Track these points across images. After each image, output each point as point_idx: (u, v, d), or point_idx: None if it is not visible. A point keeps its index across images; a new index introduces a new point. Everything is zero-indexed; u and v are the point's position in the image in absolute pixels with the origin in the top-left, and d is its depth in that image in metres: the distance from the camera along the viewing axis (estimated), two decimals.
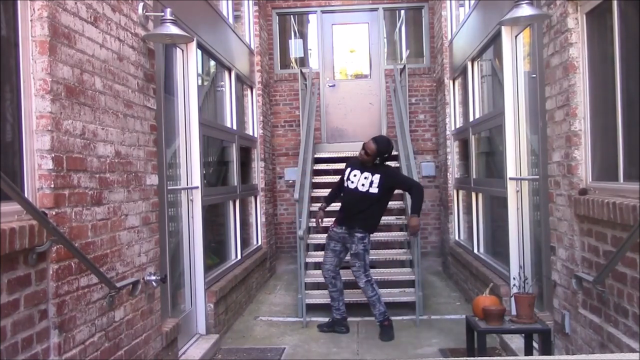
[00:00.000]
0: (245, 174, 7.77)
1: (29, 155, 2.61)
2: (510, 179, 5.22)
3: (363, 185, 5.37)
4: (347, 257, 5.58)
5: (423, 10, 9.58)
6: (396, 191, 7.53)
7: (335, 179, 7.77)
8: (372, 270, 6.45)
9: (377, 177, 5.37)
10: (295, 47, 10.01)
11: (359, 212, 5.37)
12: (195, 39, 5.07)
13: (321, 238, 7.40)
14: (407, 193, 6.08)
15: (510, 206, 5.22)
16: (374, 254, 6.70)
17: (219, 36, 6.33)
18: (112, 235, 3.28)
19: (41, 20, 2.63)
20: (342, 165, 7.77)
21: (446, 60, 8.12)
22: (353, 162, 5.58)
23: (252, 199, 7.93)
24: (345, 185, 5.49)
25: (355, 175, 5.44)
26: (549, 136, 4.13)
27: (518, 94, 5.14)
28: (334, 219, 5.66)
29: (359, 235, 5.38)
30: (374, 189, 5.35)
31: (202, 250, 5.15)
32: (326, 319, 5.79)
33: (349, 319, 5.71)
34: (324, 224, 5.93)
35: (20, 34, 2.60)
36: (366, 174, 5.39)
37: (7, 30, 2.56)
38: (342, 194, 5.64)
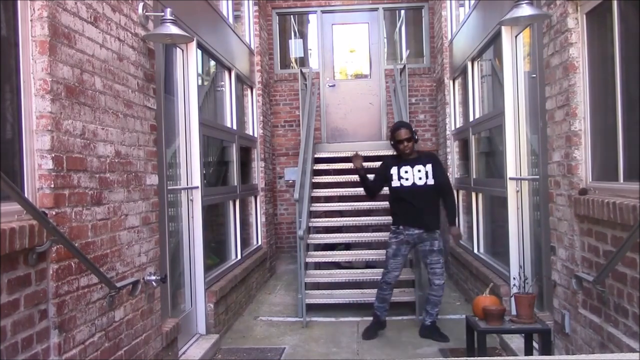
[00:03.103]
0: (245, 174, 7.77)
1: (29, 155, 2.61)
2: (510, 179, 5.22)
3: (420, 179, 5.20)
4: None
5: (423, 10, 9.58)
6: None
7: (335, 178, 7.82)
8: (372, 270, 6.47)
9: (429, 167, 5.23)
10: (295, 47, 10.01)
11: (428, 208, 5.21)
12: (195, 39, 5.07)
13: (321, 238, 7.42)
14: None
15: (510, 206, 5.22)
16: (375, 254, 6.71)
17: (219, 36, 6.33)
18: (112, 235, 3.28)
19: (41, 20, 2.63)
20: (342, 165, 7.84)
21: (446, 60, 8.12)
22: (393, 161, 5.38)
23: (252, 199, 7.93)
24: (399, 184, 5.25)
25: (407, 172, 5.24)
26: (549, 136, 4.13)
27: (518, 94, 5.14)
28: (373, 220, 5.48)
29: (438, 231, 5.27)
30: (431, 180, 5.21)
31: (202, 250, 5.14)
32: (327, 319, 5.77)
33: (349, 319, 5.72)
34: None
35: (20, 34, 2.60)
36: (418, 167, 5.22)
37: (7, 30, 2.56)
38: (392, 194, 5.37)
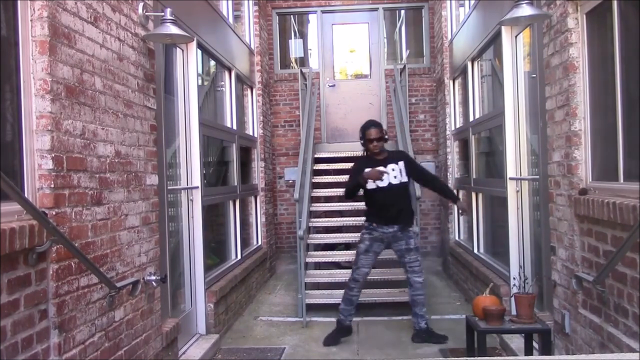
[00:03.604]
0: (245, 174, 7.77)
1: (29, 155, 2.61)
2: (510, 178, 5.22)
3: (395, 177, 5.17)
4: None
5: (423, 10, 9.58)
6: None
7: (335, 178, 7.80)
8: (372, 270, 6.44)
9: (402, 164, 5.22)
10: (295, 47, 10.01)
11: (402, 206, 5.21)
12: (195, 39, 5.07)
13: (321, 238, 7.42)
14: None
15: (510, 206, 5.22)
16: None
17: (219, 36, 6.33)
18: (112, 235, 3.28)
19: (41, 20, 2.63)
20: (342, 165, 7.83)
21: (446, 60, 8.12)
22: (365, 162, 5.29)
23: (252, 199, 7.93)
24: (375, 186, 5.15)
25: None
26: (549, 136, 4.13)
27: (518, 94, 5.14)
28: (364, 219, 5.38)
29: (412, 230, 5.27)
30: (404, 177, 5.21)
31: (202, 250, 5.14)
32: (327, 319, 5.77)
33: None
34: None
35: (20, 34, 2.60)
36: (391, 165, 5.19)
37: (7, 30, 2.56)
38: (368, 195, 5.29)
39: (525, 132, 5.07)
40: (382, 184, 5.17)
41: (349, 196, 5.43)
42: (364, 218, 7.30)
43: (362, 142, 5.34)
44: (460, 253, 7.12)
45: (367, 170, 5.10)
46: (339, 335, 5.34)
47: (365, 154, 5.42)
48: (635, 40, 3.05)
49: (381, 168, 5.14)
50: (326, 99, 9.56)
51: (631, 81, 3.14)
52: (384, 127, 9.18)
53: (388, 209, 5.20)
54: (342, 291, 6.32)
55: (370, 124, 5.32)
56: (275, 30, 9.67)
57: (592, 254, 3.47)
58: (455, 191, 7.89)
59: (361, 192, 5.34)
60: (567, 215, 3.82)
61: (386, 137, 5.36)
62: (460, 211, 5.45)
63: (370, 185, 5.16)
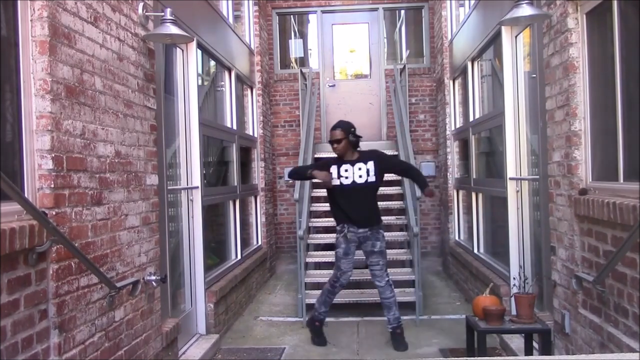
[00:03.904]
0: (245, 174, 7.77)
1: (29, 155, 2.61)
2: (510, 179, 5.22)
3: (360, 177, 5.09)
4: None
5: (423, 10, 9.58)
6: (396, 191, 7.60)
7: None
8: None
9: (371, 164, 5.12)
10: (295, 47, 10.01)
11: (368, 206, 5.15)
12: (195, 39, 5.07)
13: (321, 238, 7.42)
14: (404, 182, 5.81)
15: (510, 206, 5.22)
16: None
17: (219, 36, 6.33)
18: (112, 235, 3.28)
19: (41, 20, 2.63)
20: None
21: (446, 60, 8.12)
22: (334, 160, 5.23)
23: (252, 199, 7.93)
24: (339, 183, 5.10)
25: (347, 171, 5.10)
26: (549, 136, 4.13)
27: (518, 94, 5.14)
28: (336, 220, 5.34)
29: (382, 233, 5.21)
30: (372, 177, 5.10)
31: (202, 250, 5.14)
32: (327, 319, 5.75)
33: (349, 319, 5.71)
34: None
35: (20, 34, 2.59)
36: (359, 164, 5.12)
37: (7, 30, 2.56)
38: (332, 194, 5.24)
39: (525, 132, 5.07)
40: (346, 181, 5.11)
41: (291, 176, 5.41)
42: None
43: (328, 140, 5.26)
44: (460, 253, 7.12)
45: (316, 172, 5.10)
46: (321, 334, 5.32)
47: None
48: (635, 40, 3.05)
49: (332, 172, 5.10)
50: (326, 99, 9.56)
51: (631, 81, 3.14)
52: (384, 128, 9.33)
53: (352, 209, 5.11)
54: (342, 291, 6.31)
55: (336, 125, 5.21)
56: (275, 30, 9.67)
57: (592, 254, 3.47)
58: (455, 191, 7.92)
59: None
60: (567, 215, 3.82)
61: (354, 138, 5.18)
62: (427, 196, 5.24)
63: (335, 182, 5.11)
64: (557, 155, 3.98)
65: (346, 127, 5.16)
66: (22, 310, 2.44)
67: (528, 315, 4.05)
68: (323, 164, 5.26)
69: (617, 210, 2.98)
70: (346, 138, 5.11)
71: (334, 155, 5.28)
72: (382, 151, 5.73)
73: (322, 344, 5.24)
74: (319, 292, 6.40)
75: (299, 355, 5.01)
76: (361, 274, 6.53)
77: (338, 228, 5.23)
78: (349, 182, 5.10)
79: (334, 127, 5.17)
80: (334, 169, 5.14)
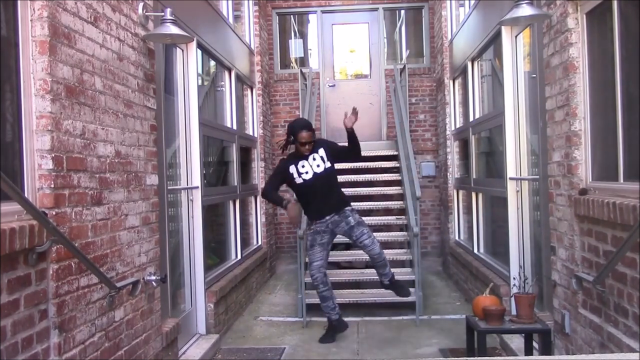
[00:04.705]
0: (245, 174, 7.77)
1: (29, 155, 2.61)
2: (510, 179, 5.22)
3: (318, 166, 5.15)
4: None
5: (423, 10, 9.58)
6: (396, 191, 7.60)
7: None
8: (372, 270, 6.44)
9: (322, 151, 5.19)
10: (295, 47, 10.00)
11: (333, 192, 5.23)
12: (195, 39, 5.07)
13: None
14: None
15: (510, 206, 5.22)
16: None
17: (219, 36, 6.33)
18: (112, 235, 3.28)
19: (41, 20, 2.63)
20: (341, 165, 7.81)
21: (446, 60, 8.12)
22: (290, 159, 5.27)
23: (252, 198, 7.93)
24: (302, 180, 5.15)
25: (304, 166, 5.15)
26: (549, 136, 4.13)
27: (518, 94, 5.14)
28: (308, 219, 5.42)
29: (348, 209, 5.23)
30: (327, 164, 5.18)
31: (202, 250, 5.14)
32: (326, 320, 5.76)
33: (349, 318, 5.69)
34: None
35: (20, 34, 2.59)
36: (312, 155, 5.17)
37: (7, 30, 2.56)
38: (299, 192, 5.31)
39: (525, 132, 5.07)
40: (307, 176, 5.16)
41: (264, 197, 5.60)
42: (364, 218, 7.33)
43: (291, 139, 5.22)
44: (460, 253, 7.12)
45: (290, 207, 5.14)
46: (334, 333, 5.35)
47: (286, 149, 5.35)
48: (635, 40, 3.05)
49: (293, 173, 5.17)
50: (326, 99, 9.56)
51: (631, 81, 3.14)
52: (384, 128, 9.33)
53: (318, 200, 5.18)
54: (342, 291, 6.33)
55: (303, 125, 5.21)
56: (275, 30, 9.67)
57: (592, 254, 3.47)
58: (455, 191, 7.92)
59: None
60: (567, 215, 3.82)
61: (314, 137, 5.26)
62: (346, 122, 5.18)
63: (298, 180, 5.17)
64: (557, 155, 3.98)
65: (312, 127, 5.28)
66: (22, 310, 2.44)
67: (528, 315, 4.05)
68: (283, 170, 5.28)
69: (617, 210, 2.98)
70: (312, 137, 5.19)
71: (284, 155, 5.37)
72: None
73: (325, 341, 5.29)
74: None
75: (299, 355, 5.01)
76: (361, 274, 6.54)
77: (308, 223, 5.36)
78: (310, 176, 5.17)
79: (300, 128, 5.15)
80: (293, 169, 5.19)
